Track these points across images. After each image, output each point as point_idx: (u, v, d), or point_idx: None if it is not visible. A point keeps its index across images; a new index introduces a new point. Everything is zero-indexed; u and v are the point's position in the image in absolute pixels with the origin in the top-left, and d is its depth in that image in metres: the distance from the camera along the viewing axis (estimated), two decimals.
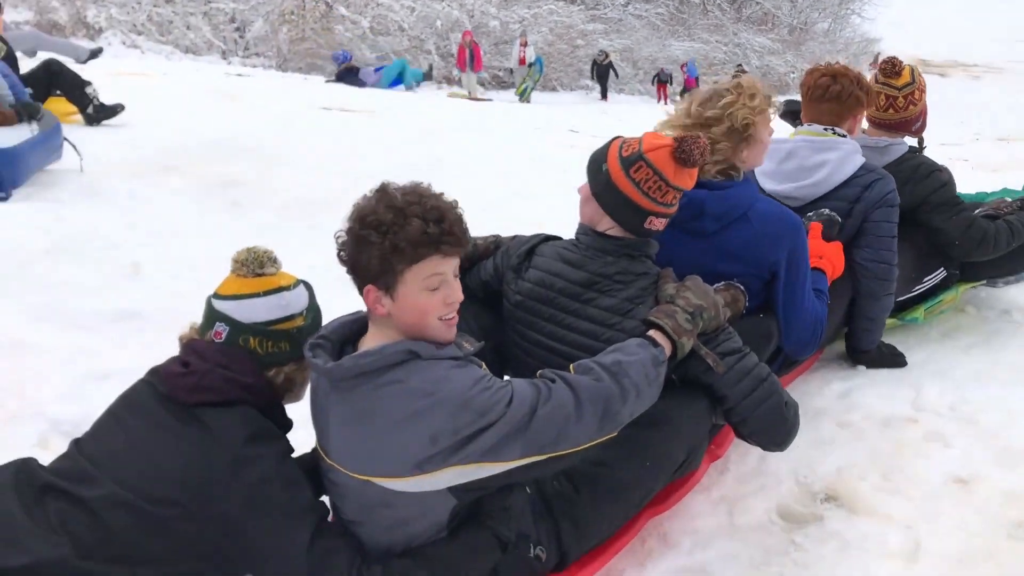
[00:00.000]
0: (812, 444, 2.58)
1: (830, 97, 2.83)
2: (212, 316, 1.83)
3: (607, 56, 23.59)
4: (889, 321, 3.06)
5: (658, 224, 2.09)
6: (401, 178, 1.75)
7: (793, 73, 33.76)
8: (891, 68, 3.13)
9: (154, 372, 1.80)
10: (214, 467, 1.63)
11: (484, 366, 1.75)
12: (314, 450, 1.86)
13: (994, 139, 13.62)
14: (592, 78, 24.17)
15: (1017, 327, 3.40)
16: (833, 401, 2.84)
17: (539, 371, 1.81)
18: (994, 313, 3.54)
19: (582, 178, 2.16)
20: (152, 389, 1.75)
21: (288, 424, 1.87)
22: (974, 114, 21.08)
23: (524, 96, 19.74)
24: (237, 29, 19.70)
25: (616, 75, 24.06)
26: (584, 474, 1.95)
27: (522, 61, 20.38)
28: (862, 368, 3.04)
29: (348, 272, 1.71)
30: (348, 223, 1.67)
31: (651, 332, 1.94)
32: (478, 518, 1.76)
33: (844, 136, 2.86)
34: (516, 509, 1.83)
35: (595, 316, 2.06)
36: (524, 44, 20.61)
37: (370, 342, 1.73)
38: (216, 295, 1.86)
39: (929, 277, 3.23)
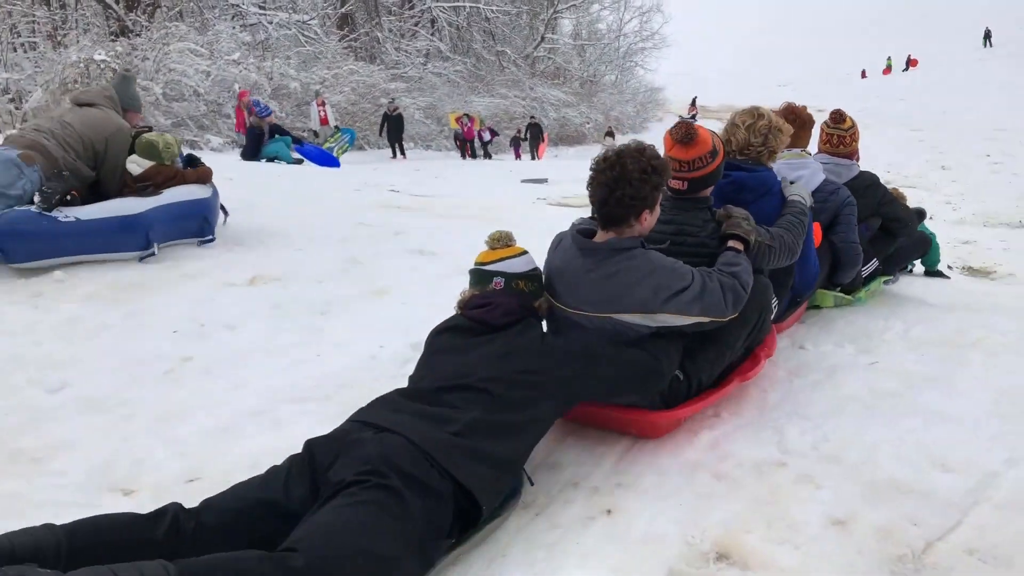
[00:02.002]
0: (694, 500, 2.55)
1: (634, 177, 3.50)
2: (486, 275, 2.87)
3: (397, 107, 22.80)
4: (846, 298, 4.28)
5: (674, 183, 3.16)
6: None
7: (588, 123, 35.53)
8: (839, 117, 4.52)
9: (457, 317, 2.80)
10: (536, 345, 2.64)
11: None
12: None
13: None
14: (380, 133, 22.89)
15: (852, 359, 3.58)
16: (705, 452, 2.83)
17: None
18: (829, 347, 3.72)
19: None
20: (456, 328, 2.74)
21: None
22: None
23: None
24: (12, 100, 18.24)
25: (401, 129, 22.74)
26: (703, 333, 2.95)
27: (323, 120, 20.07)
28: (725, 415, 3.07)
29: (618, 208, 2.76)
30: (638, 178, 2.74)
31: (731, 242, 3.05)
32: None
33: (809, 155, 4.25)
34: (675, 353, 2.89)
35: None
36: (321, 104, 20.35)
37: (604, 237, 2.83)
38: (481, 263, 2.91)
39: (867, 266, 4.45)
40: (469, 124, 25.39)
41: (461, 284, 3.00)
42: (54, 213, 4.70)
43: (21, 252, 4.62)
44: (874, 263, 4.52)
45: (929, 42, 46.18)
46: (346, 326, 4.23)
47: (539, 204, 10.43)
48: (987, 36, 43.43)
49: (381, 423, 2.29)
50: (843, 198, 4.07)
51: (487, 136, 25.62)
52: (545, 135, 28.43)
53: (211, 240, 5.41)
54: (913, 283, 5.25)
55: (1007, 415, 2.96)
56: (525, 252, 2.93)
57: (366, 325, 4.22)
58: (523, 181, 14.82)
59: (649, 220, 2.83)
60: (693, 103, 39.03)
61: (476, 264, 2.91)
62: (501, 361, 2.52)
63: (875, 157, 19.30)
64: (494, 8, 33.18)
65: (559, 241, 2.99)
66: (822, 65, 48.53)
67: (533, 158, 26.24)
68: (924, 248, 5.26)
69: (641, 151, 2.76)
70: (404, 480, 2.09)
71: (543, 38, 37.72)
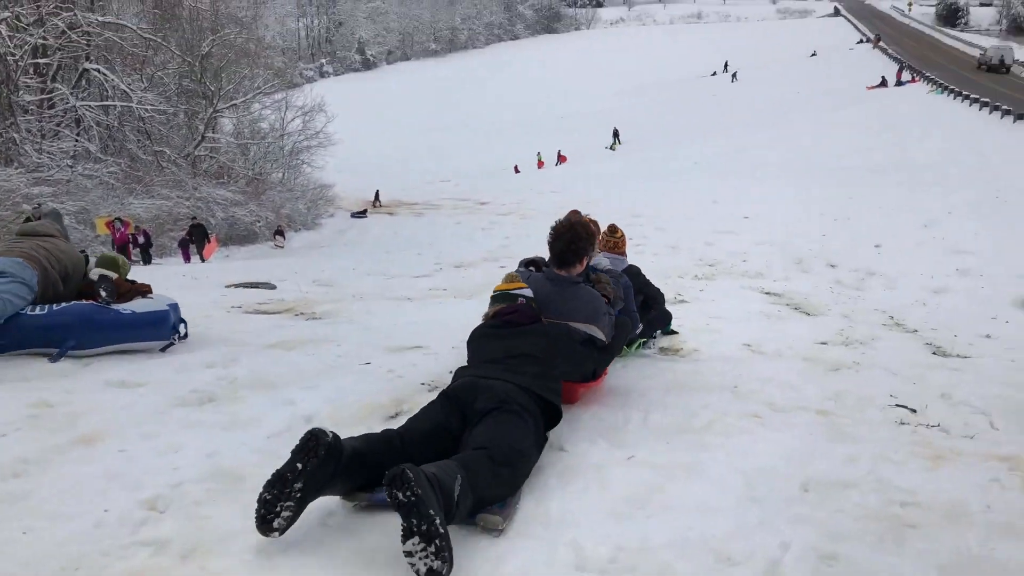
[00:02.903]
0: None
1: (581, 236, 4.70)
2: (512, 296, 4.29)
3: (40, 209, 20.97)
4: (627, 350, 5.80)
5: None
6: None
7: (259, 221, 34.50)
8: (614, 229, 6.32)
9: (492, 318, 4.23)
10: (547, 336, 4.07)
11: None
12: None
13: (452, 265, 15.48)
14: None
15: (609, 454, 3.62)
16: None
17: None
18: (585, 445, 3.74)
19: None
20: (489, 328, 4.13)
21: None
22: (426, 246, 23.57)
23: None
24: None
25: None
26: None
27: None
28: (511, 534, 2.91)
29: (570, 255, 4.52)
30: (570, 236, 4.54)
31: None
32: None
33: (602, 252, 5.83)
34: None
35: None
36: None
37: (565, 273, 4.52)
38: (506, 290, 4.34)
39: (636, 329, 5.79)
40: (123, 228, 23.46)
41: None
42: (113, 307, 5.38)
43: (96, 340, 5.18)
44: (640, 326, 5.91)
45: (569, 142, 51.42)
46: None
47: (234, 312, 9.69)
48: (616, 135, 49.43)
49: (493, 376, 3.60)
50: (626, 281, 5.43)
51: (141, 239, 23.81)
52: (213, 236, 27.09)
53: (172, 344, 5.68)
54: (627, 366, 5.52)
55: (762, 499, 3.13)
56: (526, 286, 4.41)
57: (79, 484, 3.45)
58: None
59: (583, 265, 4.55)
60: (376, 197, 39.68)
61: (501, 291, 4.35)
62: (533, 343, 3.91)
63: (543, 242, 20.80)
64: (148, 108, 31.34)
65: (528, 276, 4.62)
66: (481, 160, 51.92)
67: (202, 260, 24.80)
68: (668, 319, 6.82)
69: (584, 224, 4.61)
70: (521, 406, 3.41)
71: (203, 137, 36.29)
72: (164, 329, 5.57)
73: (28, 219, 6.10)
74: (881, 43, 74.78)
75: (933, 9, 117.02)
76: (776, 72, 68.45)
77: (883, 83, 51.80)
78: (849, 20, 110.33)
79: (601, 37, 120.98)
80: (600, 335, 4.38)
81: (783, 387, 4.75)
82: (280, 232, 31.45)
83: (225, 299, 9.45)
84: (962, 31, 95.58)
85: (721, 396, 4.43)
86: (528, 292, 4.34)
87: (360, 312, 8.30)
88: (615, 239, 6.24)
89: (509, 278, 4.48)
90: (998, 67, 55.31)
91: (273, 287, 12.71)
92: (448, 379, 4.21)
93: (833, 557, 2.73)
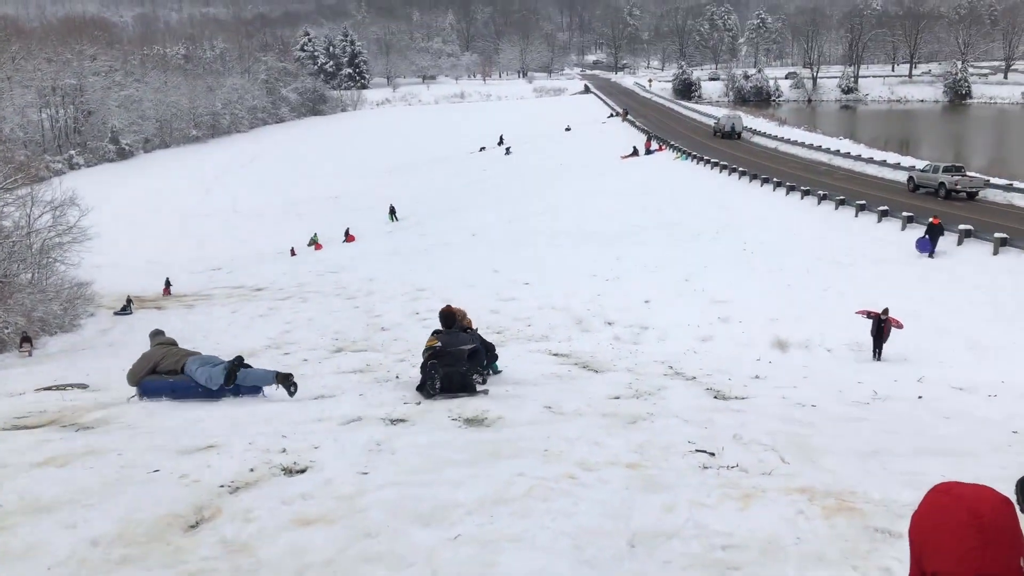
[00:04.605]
0: None
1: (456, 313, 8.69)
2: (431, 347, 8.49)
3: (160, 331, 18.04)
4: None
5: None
6: None
7: (7, 328, 31.21)
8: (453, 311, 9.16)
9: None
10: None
11: None
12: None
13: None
14: None
15: (404, 544, 3.49)
16: None
17: None
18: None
19: None
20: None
21: None
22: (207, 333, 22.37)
23: None
24: None
25: None
26: None
27: None
28: None
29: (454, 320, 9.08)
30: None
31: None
32: None
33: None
34: None
35: None
36: None
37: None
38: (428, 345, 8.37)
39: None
40: None
41: None
42: None
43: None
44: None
45: (345, 222, 51.14)
46: None
47: None
48: (392, 212, 49.82)
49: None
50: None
51: None
52: None
53: None
54: (432, 442, 5.44)
55: (594, 560, 3.16)
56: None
57: None
58: None
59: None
60: (167, 285, 37.25)
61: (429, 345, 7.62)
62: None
63: (326, 325, 20.44)
64: None
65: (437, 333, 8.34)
66: (254, 245, 50.29)
67: None
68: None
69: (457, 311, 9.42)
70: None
71: None
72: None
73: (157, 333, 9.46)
74: (629, 116, 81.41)
75: (671, 84, 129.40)
76: (539, 146, 72.25)
77: (635, 152, 56.28)
78: (599, 97, 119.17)
79: (368, 117, 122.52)
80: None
81: (590, 444, 4.87)
82: (27, 339, 28.58)
83: None
84: (697, 103, 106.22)
85: (533, 460, 4.47)
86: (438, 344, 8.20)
87: (140, 416, 7.64)
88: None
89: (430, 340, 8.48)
90: (730, 134, 62.46)
91: (85, 386, 11.88)
92: (250, 476, 3.95)
93: None
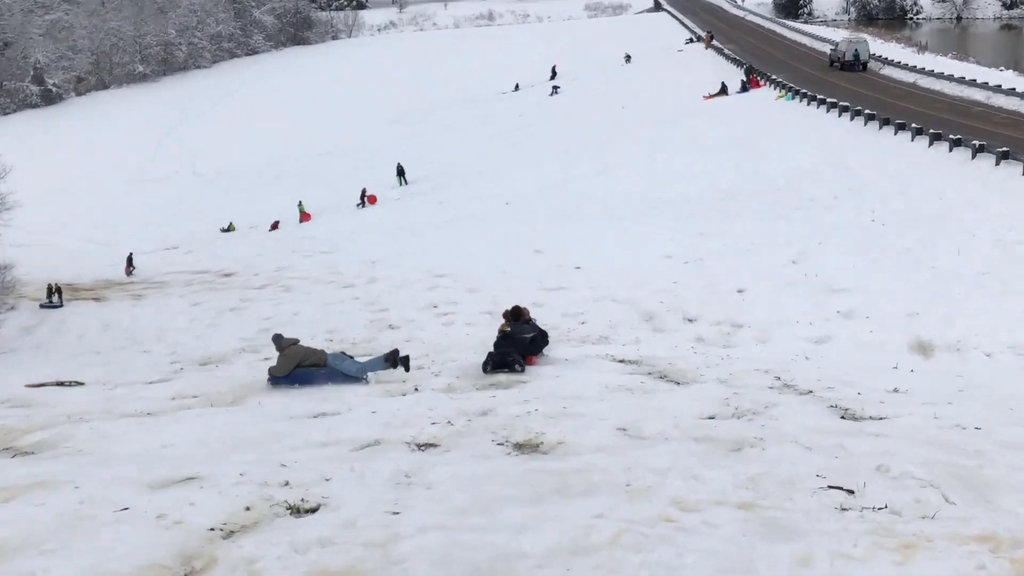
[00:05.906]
0: None
1: (521, 311, 15.95)
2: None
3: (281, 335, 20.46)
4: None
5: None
6: None
7: None
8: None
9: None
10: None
11: None
12: None
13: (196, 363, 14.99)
14: None
15: None
16: None
17: None
18: None
19: None
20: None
21: None
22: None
23: None
24: None
25: None
26: None
27: None
28: None
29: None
30: None
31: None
32: None
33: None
34: None
35: None
36: None
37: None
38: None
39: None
40: None
41: None
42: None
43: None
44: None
45: (337, 187, 51.51)
46: None
47: None
48: (400, 172, 50.37)
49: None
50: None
51: None
52: None
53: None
54: (475, 476, 5.53)
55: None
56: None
57: None
58: None
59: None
60: (129, 263, 37.54)
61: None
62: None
63: (315, 321, 20.69)
64: None
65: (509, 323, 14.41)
66: (222, 216, 50.77)
67: None
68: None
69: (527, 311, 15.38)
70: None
71: None
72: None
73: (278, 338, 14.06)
74: (715, 42, 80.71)
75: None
76: (593, 84, 72.04)
77: (723, 90, 55.72)
78: (674, 15, 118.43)
79: (367, 47, 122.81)
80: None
81: (686, 478, 4.92)
82: None
83: None
84: (806, 23, 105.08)
85: (614, 498, 4.53)
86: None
87: (92, 438, 7.86)
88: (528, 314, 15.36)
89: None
90: (853, 64, 60.47)
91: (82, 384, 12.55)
92: (246, 516, 4.09)
93: None
